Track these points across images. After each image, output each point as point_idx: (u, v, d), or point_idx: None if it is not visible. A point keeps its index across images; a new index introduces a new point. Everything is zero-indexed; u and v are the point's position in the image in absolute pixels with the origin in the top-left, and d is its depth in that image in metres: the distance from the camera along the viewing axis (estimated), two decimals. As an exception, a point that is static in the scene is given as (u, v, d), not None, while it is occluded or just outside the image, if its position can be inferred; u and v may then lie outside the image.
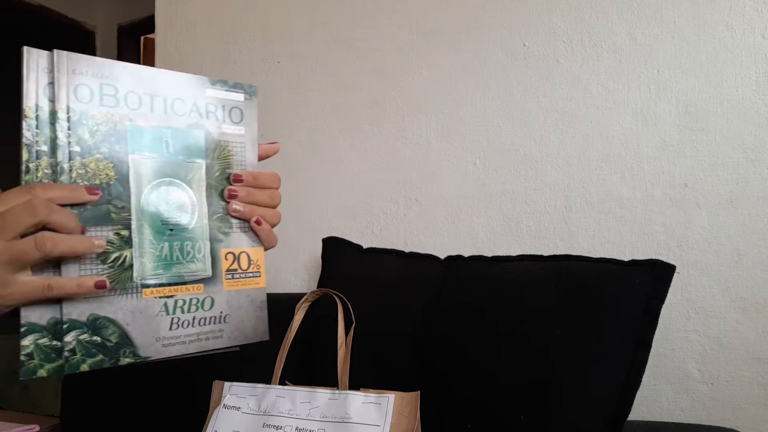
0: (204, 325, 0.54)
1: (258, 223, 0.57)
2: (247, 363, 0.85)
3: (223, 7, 1.44)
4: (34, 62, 0.47)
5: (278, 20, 1.37)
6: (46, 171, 0.47)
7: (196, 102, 0.55)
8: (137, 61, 3.22)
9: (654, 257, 0.84)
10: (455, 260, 1.02)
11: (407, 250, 1.10)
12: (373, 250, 1.11)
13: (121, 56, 3.22)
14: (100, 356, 0.48)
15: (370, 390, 0.77)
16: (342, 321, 0.87)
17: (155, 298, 0.51)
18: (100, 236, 0.48)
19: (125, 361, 0.49)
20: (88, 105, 0.48)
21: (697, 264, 0.98)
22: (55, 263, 0.46)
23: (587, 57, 1.06)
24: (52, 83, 0.47)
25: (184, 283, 0.53)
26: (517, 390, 0.81)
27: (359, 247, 1.13)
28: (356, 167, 1.27)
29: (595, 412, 0.79)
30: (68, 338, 0.47)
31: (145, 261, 0.51)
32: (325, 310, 0.92)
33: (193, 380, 0.90)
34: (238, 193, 0.56)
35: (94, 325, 0.48)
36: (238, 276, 0.57)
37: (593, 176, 1.05)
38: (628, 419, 0.79)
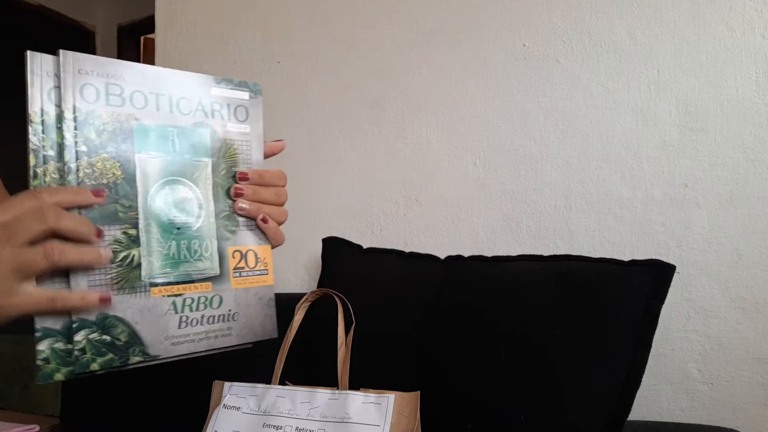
0: (213, 323, 0.54)
1: (264, 221, 0.57)
2: (247, 363, 0.85)
3: (223, 7, 1.44)
4: (38, 66, 0.47)
5: (278, 20, 1.37)
6: (53, 175, 0.47)
7: (201, 101, 0.55)
8: (137, 62, 3.21)
9: (654, 257, 0.84)
10: (455, 260, 1.02)
11: (407, 250, 1.10)
12: (373, 250, 1.11)
13: (121, 56, 3.22)
14: (110, 355, 0.48)
15: (370, 390, 0.77)
16: (342, 321, 0.87)
17: (163, 296, 0.51)
18: (109, 235, 0.48)
19: (135, 359, 0.49)
20: (95, 105, 0.48)
21: (697, 264, 0.98)
22: (64, 271, 0.46)
23: (587, 57, 1.06)
24: (57, 87, 0.47)
25: (192, 281, 0.53)
26: (517, 390, 0.81)
27: (359, 247, 1.13)
28: (356, 167, 1.27)
29: (595, 412, 0.79)
30: (78, 337, 0.47)
31: (153, 260, 0.51)
32: (325, 310, 0.92)
33: (193, 380, 0.90)
34: (244, 192, 0.56)
35: (104, 324, 0.48)
36: (245, 274, 0.57)
37: (593, 176, 1.05)
38: (628, 419, 0.79)
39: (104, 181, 0.48)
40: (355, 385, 0.81)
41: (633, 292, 0.82)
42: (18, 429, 1.00)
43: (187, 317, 0.52)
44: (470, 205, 1.16)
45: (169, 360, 0.52)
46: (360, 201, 1.26)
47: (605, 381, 0.79)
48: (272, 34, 1.38)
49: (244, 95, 0.58)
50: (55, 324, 0.46)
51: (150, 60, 3.17)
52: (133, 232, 0.50)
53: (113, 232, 0.49)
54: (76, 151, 0.47)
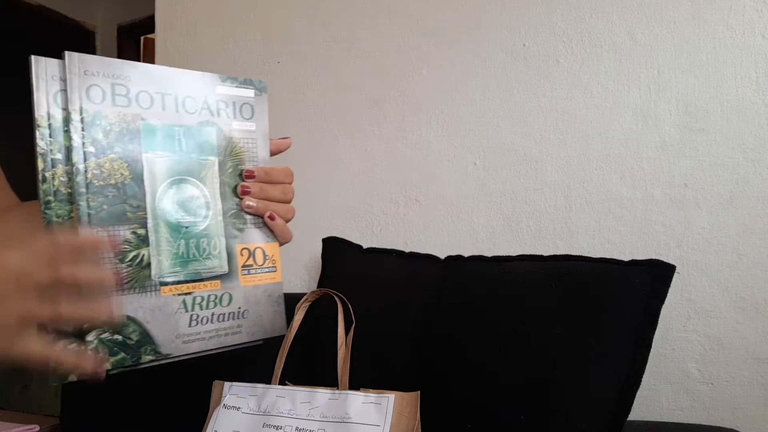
0: (222, 321, 0.54)
1: (271, 218, 0.57)
2: (247, 363, 0.85)
3: (223, 7, 1.44)
4: (43, 71, 0.47)
5: (278, 20, 1.37)
6: (62, 178, 0.47)
7: (206, 99, 0.55)
8: (137, 62, 3.21)
9: (654, 257, 0.84)
10: (455, 260, 1.02)
11: (407, 250, 1.10)
12: (373, 250, 1.11)
13: (121, 56, 3.22)
14: (122, 354, 0.48)
15: (370, 390, 0.77)
16: (342, 321, 0.87)
17: (173, 295, 0.51)
18: (118, 235, 0.48)
19: (146, 358, 0.49)
20: (101, 105, 0.49)
21: (697, 264, 0.98)
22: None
23: (587, 57, 1.06)
24: (62, 90, 0.47)
25: (202, 279, 0.53)
26: (517, 390, 0.81)
27: (359, 247, 1.13)
28: (356, 167, 1.27)
29: (595, 412, 0.79)
30: (90, 337, 0.47)
31: (162, 259, 0.51)
32: (325, 310, 0.92)
33: (193, 380, 0.90)
34: (250, 189, 0.56)
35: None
36: (254, 271, 0.57)
37: (593, 176, 1.05)
38: (628, 419, 0.79)
39: (112, 181, 0.49)
40: (355, 385, 0.81)
41: (633, 292, 0.82)
42: (18, 429, 1.00)
43: (198, 315, 0.53)
44: (470, 205, 1.16)
45: (180, 358, 0.52)
46: (360, 201, 1.26)
47: (605, 381, 0.79)
48: (272, 34, 1.38)
49: (249, 93, 0.58)
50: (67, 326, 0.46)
51: (150, 60, 3.17)
52: (141, 231, 0.50)
53: (122, 232, 0.49)
54: (84, 152, 0.47)
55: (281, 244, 0.60)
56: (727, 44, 0.97)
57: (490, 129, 1.15)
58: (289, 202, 0.59)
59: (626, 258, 0.87)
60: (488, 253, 1.02)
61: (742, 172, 0.96)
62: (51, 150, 0.47)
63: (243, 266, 0.56)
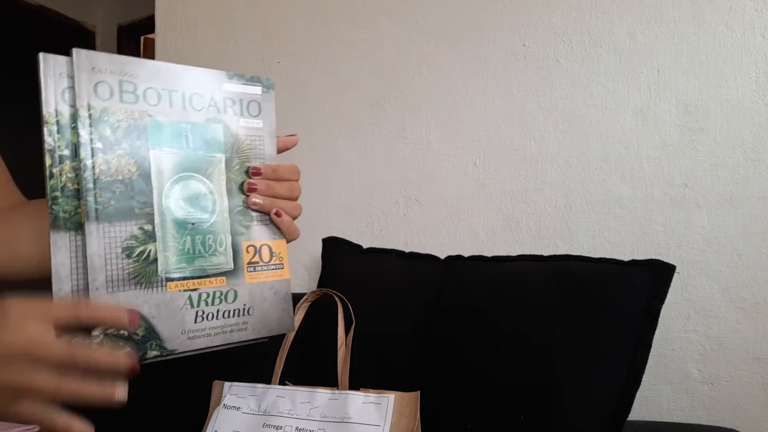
0: (228, 317, 0.54)
1: (278, 215, 0.57)
2: (247, 363, 0.85)
3: (223, 7, 1.44)
4: (51, 68, 0.47)
5: (278, 20, 1.37)
6: (69, 175, 0.47)
7: (213, 96, 0.55)
8: (137, 61, 3.21)
9: (654, 257, 0.84)
10: (455, 260, 1.02)
11: (407, 250, 1.10)
12: (373, 250, 1.11)
13: (121, 56, 3.22)
14: (128, 349, 0.48)
15: (370, 390, 0.78)
16: (342, 321, 0.87)
17: (180, 291, 0.52)
18: (125, 231, 0.49)
19: (152, 354, 0.49)
20: (109, 102, 0.49)
21: (697, 264, 0.98)
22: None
23: (587, 57, 1.06)
24: (70, 87, 0.47)
25: (207, 276, 0.53)
26: (517, 390, 0.81)
27: (359, 247, 1.13)
28: (356, 167, 1.27)
29: (595, 412, 0.79)
30: (96, 332, 0.47)
31: (168, 255, 0.51)
32: (325, 310, 0.92)
33: (193, 380, 0.90)
34: (257, 186, 0.56)
35: None
36: (260, 268, 0.57)
37: (593, 176, 1.05)
38: (628, 419, 0.79)
39: (120, 177, 0.49)
40: (355, 385, 0.81)
41: (633, 292, 0.82)
42: (18, 429, 1.00)
43: (204, 312, 0.53)
44: (470, 205, 1.16)
45: (186, 354, 0.52)
46: (360, 201, 1.26)
47: (605, 381, 0.79)
48: (272, 34, 1.38)
49: (257, 90, 0.58)
50: None
51: (150, 60, 3.16)
52: (148, 227, 0.50)
53: (129, 228, 0.49)
54: (92, 149, 0.48)
55: (288, 242, 0.60)
56: (727, 44, 0.97)
57: (490, 129, 1.15)
58: (295, 199, 0.60)
59: (626, 258, 0.87)
60: (488, 253, 1.02)
61: (742, 172, 0.96)
62: (59, 146, 0.47)
63: (249, 263, 0.56)
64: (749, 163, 0.95)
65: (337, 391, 0.79)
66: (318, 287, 1.06)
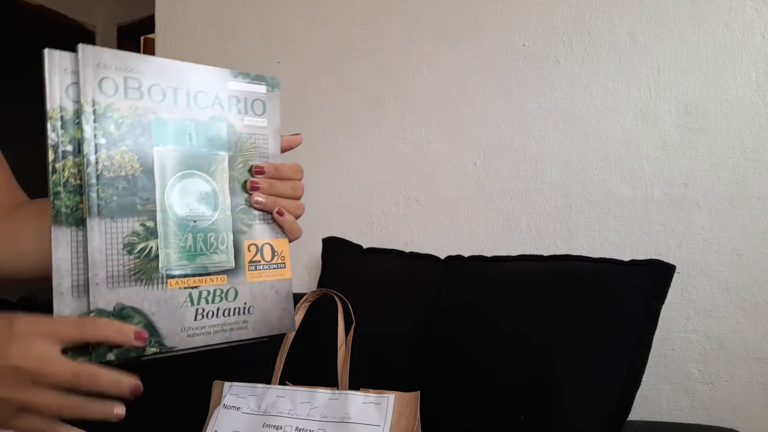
0: (228, 315, 0.54)
1: (280, 214, 0.57)
2: (247, 363, 0.85)
3: (223, 7, 1.44)
4: (56, 64, 0.47)
5: (278, 20, 1.37)
6: (72, 170, 0.47)
7: (218, 94, 0.55)
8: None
9: (654, 257, 0.84)
10: (455, 260, 1.02)
11: (407, 250, 1.10)
12: (373, 250, 1.12)
13: (121, 56, 3.21)
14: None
15: (370, 390, 0.77)
16: (342, 321, 0.87)
17: (180, 288, 0.51)
18: (127, 227, 0.49)
19: (151, 350, 0.49)
20: (113, 98, 0.49)
21: (697, 264, 0.98)
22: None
23: (587, 57, 1.06)
24: (75, 83, 0.48)
25: (208, 274, 0.53)
26: (517, 390, 0.81)
27: (359, 247, 1.13)
28: (356, 167, 1.27)
29: (595, 412, 0.79)
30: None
31: (170, 252, 0.51)
32: (325, 310, 0.92)
33: (193, 380, 0.90)
34: (260, 185, 0.56)
35: (121, 314, 0.48)
36: (261, 267, 0.57)
37: (593, 176, 1.05)
38: (628, 419, 0.79)
39: (122, 173, 0.49)
40: (355, 385, 0.81)
41: (633, 292, 0.82)
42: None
43: (204, 309, 0.53)
44: (470, 205, 1.16)
45: (185, 352, 0.52)
46: (360, 201, 1.26)
47: (605, 381, 0.79)
48: (272, 34, 1.38)
49: (261, 89, 0.58)
50: (72, 315, 0.47)
51: (150, 60, 3.16)
52: (150, 224, 0.50)
53: (131, 224, 0.49)
54: (96, 144, 0.48)
55: (291, 241, 0.59)
56: (727, 44, 0.97)
57: (490, 129, 1.15)
58: (298, 198, 0.59)
59: (626, 258, 0.87)
60: (488, 253, 1.02)
61: (742, 172, 0.96)
62: (62, 142, 0.47)
63: (250, 262, 0.56)
64: (749, 163, 0.95)
65: (337, 391, 0.79)
66: (318, 287, 1.06)
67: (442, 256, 1.04)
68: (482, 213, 1.14)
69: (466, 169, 1.16)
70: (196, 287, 0.52)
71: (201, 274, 0.53)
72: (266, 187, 0.56)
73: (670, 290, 0.82)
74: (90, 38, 3.27)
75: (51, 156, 0.47)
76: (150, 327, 0.49)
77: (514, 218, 1.11)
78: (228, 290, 0.54)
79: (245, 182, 0.56)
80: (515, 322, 0.85)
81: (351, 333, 0.86)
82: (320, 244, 1.15)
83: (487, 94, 1.15)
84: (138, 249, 0.49)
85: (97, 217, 0.47)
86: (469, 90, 1.16)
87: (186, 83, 0.53)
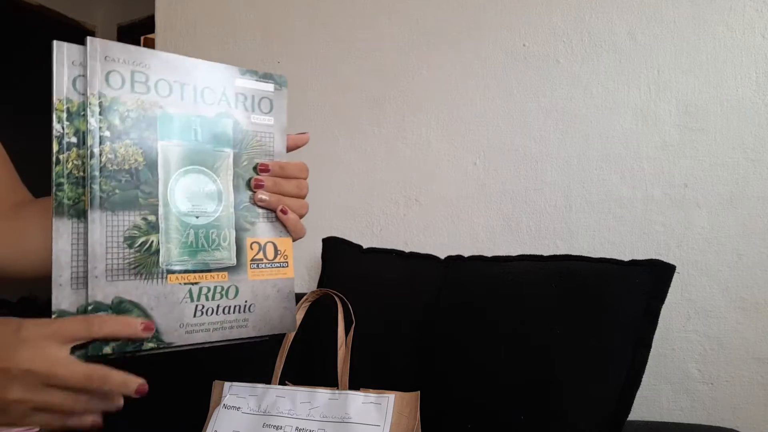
0: (228, 313, 0.54)
1: (284, 212, 0.57)
2: (247, 363, 0.85)
3: (223, 7, 1.44)
4: (64, 56, 0.47)
5: (278, 20, 1.37)
6: (75, 162, 0.47)
7: (225, 91, 0.55)
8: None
9: (654, 257, 0.84)
10: (455, 260, 1.02)
11: (407, 250, 1.10)
12: (373, 250, 1.11)
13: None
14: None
15: (370, 390, 0.77)
16: (342, 321, 0.87)
17: (180, 284, 0.51)
18: (128, 221, 0.49)
19: (148, 345, 0.49)
20: (120, 91, 0.49)
21: (697, 264, 0.98)
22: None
23: (587, 57, 1.06)
24: (81, 76, 0.48)
25: (209, 270, 0.53)
26: (517, 390, 0.81)
27: (359, 247, 1.13)
28: (356, 167, 1.27)
29: (595, 412, 0.79)
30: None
31: (171, 247, 0.51)
32: (325, 310, 0.92)
33: (193, 380, 0.90)
34: (264, 183, 0.56)
35: (119, 308, 0.48)
36: (263, 266, 0.57)
37: (593, 176, 1.05)
38: (628, 419, 0.79)
39: (126, 166, 0.49)
40: (355, 385, 0.81)
41: (633, 292, 0.82)
42: (18, 429, 1.00)
43: (204, 306, 0.52)
44: (470, 205, 1.16)
45: (183, 348, 0.52)
46: (360, 201, 1.26)
47: (605, 381, 0.79)
48: (272, 34, 1.38)
49: (269, 87, 0.58)
50: (71, 307, 0.47)
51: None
52: (152, 218, 0.50)
53: (132, 218, 0.49)
54: (100, 137, 0.48)
55: (294, 240, 0.59)
56: (727, 44, 0.97)
57: (490, 129, 1.15)
58: (303, 197, 0.59)
59: (626, 258, 0.87)
60: (488, 253, 1.02)
61: (742, 172, 0.96)
62: (67, 133, 0.47)
63: (252, 260, 0.56)
64: (749, 163, 0.95)
65: (337, 391, 0.79)
66: (318, 287, 1.06)
67: (442, 256, 1.04)
68: (482, 213, 1.14)
69: (466, 169, 1.16)
70: (196, 283, 0.52)
71: (202, 271, 0.52)
72: (271, 185, 0.56)
73: (670, 290, 0.82)
74: (90, 38, 3.27)
75: (55, 147, 0.47)
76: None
77: (514, 218, 1.11)
78: (229, 287, 0.54)
79: (250, 180, 0.56)
80: (515, 322, 0.85)
81: (351, 333, 0.86)
82: (320, 244, 1.15)
83: (487, 94, 1.15)
84: (139, 243, 0.49)
85: (98, 210, 0.47)
86: (469, 90, 1.16)
87: (193, 79, 0.53)
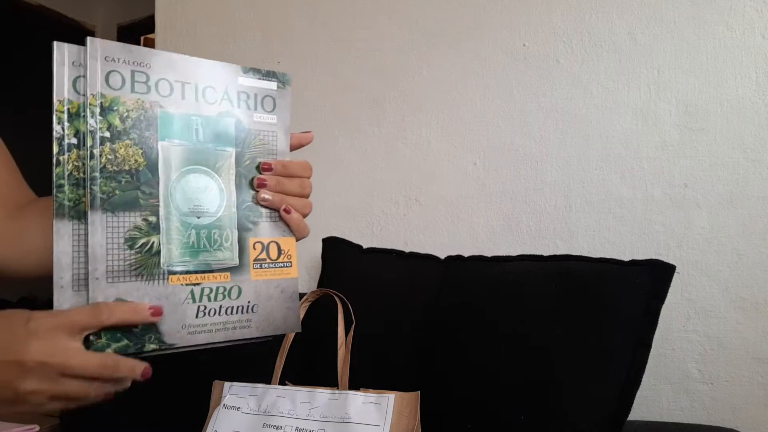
0: (231, 314, 0.53)
1: (287, 211, 0.56)
2: (247, 363, 0.85)
3: (223, 7, 1.44)
4: (64, 56, 0.47)
5: (278, 20, 1.37)
6: (75, 163, 0.47)
7: (227, 90, 0.55)
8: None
9: (654, 257, 0.84)
10: (455, 260, 1.02)
11: (407, 250, 1.10)
12: (373, 250, 1.11)
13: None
14: (125, 341, 0.47)
15: (370, 390, 0.77)
16: (342, 321, 0.87)
17: (182, 285, 0.51)
18: (129, 222, 0.49)
19: (150, 347, 0.48)
20: (120, 92, 0.49)
21: (697, 264, 0.98)
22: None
23: (587, 57, 1.06)
24: (81, 77, 0.47)
25: (211, 271, 0.53)
26: (517, 390, 0.81)
27: (359, 247, 1.13)
28: (356, 167, 1.27)
29: (595, 412, 0.79)
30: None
31: (172, 248, 0.50)
32: (325, 310, 0.92)
33: (193, 380, 0.90)
34: (267, 182, 0.55)
35: None
36: (266, 266, 0.56)
37: (593, 176, 1.05)
38: (628, 419, 0.79)
39: (126, 167, 0.49)
40: (355, 385, 0.81)
41: (633, 292, 0.82)
42: (18, 429, 1.00)
43: (206, 307, 0.52)
44: (470, 205, 1.16)
45: (185, 349, 0.51)
46: (360, 201, 1.26)
47: (605, 381, 0.79)
48: (272, 34, 1.38)
49: (272, 85, 0.57)
50: (74, 308, 0.47)
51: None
52: (153, 219, 0.50)
53: (133, 219, 0.49)
54: (100, 137, 0.47)
55: (298, 240, 0.59)
56: (727, 44, 0.97)
57: (490, 129, 1.15)
58: (306, 196, 0.59)
59: (626, 258, 0.87)
60: (488, 253, 1.02)
61: (742, 172, 0.96)
62: (67, 134, 0.47)
63: (255, 260, 0.55)
64: (749, 163, 0.95)
65: (337, 391, 0.79)
66: (318, 287, 1.06)
67: (442, 256, 1.04)
68: (482, 213, 1.14)
69: (466, 169, 1.16)
70: (198, 284, 0.52)
71: (203, 271, 0.52)
72: (273, 185, 0.56)
73: (670, 290, 0.82)
74: (90, 38, 3.27)
75: (55, 148, 0.47)
76: (150, 323, 0.49)
77: (514, 218, 1.11)
78: (231, 288, 0.54)
79: (252, 179, 0.55)
80: (515, 322, 0.85)
81: (351, 333, 0.86)
82: (320, 244, 1.15)
83: (487, 94, 1.15)
84: (139, 244, 0.49)
85: (98, 211, 0.47)
86: (469, 90, 1.16)
87: (195, 78, 0.53)
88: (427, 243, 1.19)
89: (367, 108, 1.26)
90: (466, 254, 1.02)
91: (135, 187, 0.49)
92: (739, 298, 0.95)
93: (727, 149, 0.97)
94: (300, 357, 0.94)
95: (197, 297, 0.52)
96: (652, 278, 0.82)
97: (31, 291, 2.30)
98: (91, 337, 0.46)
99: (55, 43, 0.47)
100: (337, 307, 0.88)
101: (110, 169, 0.48)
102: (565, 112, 1.08)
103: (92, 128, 0.47)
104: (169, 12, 1.52)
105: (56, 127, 0.47)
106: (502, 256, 0.98)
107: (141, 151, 0.49)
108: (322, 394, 0.79)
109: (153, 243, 0.50)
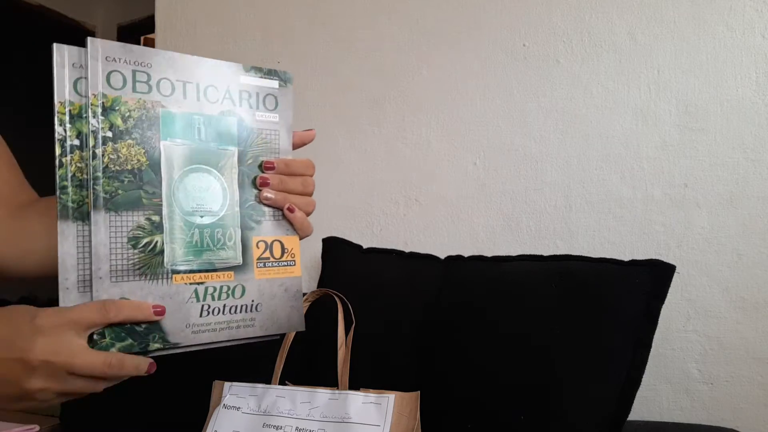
0: (235, 313, 0.53)
1: (290, 210, 0.56)
2: (247, 363, 0.85)
3: (223, 7, 1.44)
4: (64, 58, 0.47)
5: (278, 20, 1.37)
6: (78, 165, 0.47)
7: (229, 89, 0.55)
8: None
9: (654, 257, 0.84)
10: (455, 260, 1.02)
11: (407, 250, 1.10)
12: (373, 250, 1.11)
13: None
14: (129, 340, 0.47)
15: (370, 390, 0.77)
16: (342, 321, 0.87)
17: (185, 284, 0.51)
18: (132, 221, 0.49)
19: (154, 346, 0.49)
20: (121, 91, 0.49)
21: (697, 264, 0.98)
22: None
23: (587, 57, 1.06)
24: (83, 78, 0.47)
25: (215, 270, 0.53)
26: (517, 390, 0.81)
27: (359, 247, 1.13)
28: (356, 167, 1.27)
29: (595, 412, 0.79)
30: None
31: (175, 247, 0.50)
32: (325, 310, 0.92)
33: (193, 380, 0.90)
34: (269, 181, 0.55)
35: None
36: (270, 264, 0.56)
37: (593, 176, 1.05)
38: (628, 419, 0.79)
39: (128, 167, 0.49)
40: (355, 385, 0.81)
41: (633, 292, 0.82)
42: (18, 429, 1.00)
43: (210, 306, 0.52)
44: (470, 205, 1.16)
45: (189, 349, 0.51)
46: (360, 201, 1.26)
47: (605, 381, 0.79)
48: (272, 34, 1.38)
49: (274, 84, 0.57)
50: None
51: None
52: (156, 218, 0.50)
53: (136, 218, 0.49)
54: (102, 137, 0.47)
55: (301, 238, 0.58)
56: (727, 44, 0.97)
57: (490, 129, 1.15)
58: (309, 194, 0.58)
59: (626, 258, 0.87)
60: (488, 253, 1.02)
61: (742, 172, 0.96)
62: (69, 136, 0.47)
63: (258, 259, 0.55)
64: (749, 163, 0.95)
65: (337, 391, 0.79)
66: (318, 287, 1.06)
67: (442, 256, 1.04)
68: (482, 213, 1.14)
69: (466, 169, 1.16)
70: (201, 283, 0.52)
71: (207, 270, 0.52)
72: (276, 183, 0.56)
73: (670, 290, 0.82)
74: (90, 38, 3.27)
75: (58, 150, 0.47)
76: (154, 322, 0.49)
77: (514, 218, 1.11)
78: (235, 287, 0.54)
79: (255, 178, 0.55)
80: (515, 322, 0.85)
81: (351, 333, 0.86)
82: (320, 244, 1.15)
83: (487, 94, 1.15)
84: (143, 243, 0.49)
85: (101, 211, 0.47)
86: (469, 90, 1.16)
87: (196, 77, 0.53)
88: (427, 243, 1.19)
89: (367, 108, 1.26)
90: (466, 254, 1.03)
91: (138, 186, 0.49)
92: (739, 298, 0.95)
93: (727, 149, 0.97)
94: (300, 357, 0.94)
95: (201, 296, 0.51)
96: (652, 278, 0.82)
97: (31, 291, 2.30)
98: (95, 337, 0.46)
99: (55, 45, 0.47)
100: (337, 307, 0.88)
101: (113, 168, 0.48)
102: (565, 112, 1.08)
103: (94, 128, 0.47)
104: (169, 12, 1.52)
105: (58, 129, 0.47)
106: (502, 256, 0.98)
107: (143, 150, 0.49)
108: (322, 394, 0.79)
109: (156, 242, 0.50)
